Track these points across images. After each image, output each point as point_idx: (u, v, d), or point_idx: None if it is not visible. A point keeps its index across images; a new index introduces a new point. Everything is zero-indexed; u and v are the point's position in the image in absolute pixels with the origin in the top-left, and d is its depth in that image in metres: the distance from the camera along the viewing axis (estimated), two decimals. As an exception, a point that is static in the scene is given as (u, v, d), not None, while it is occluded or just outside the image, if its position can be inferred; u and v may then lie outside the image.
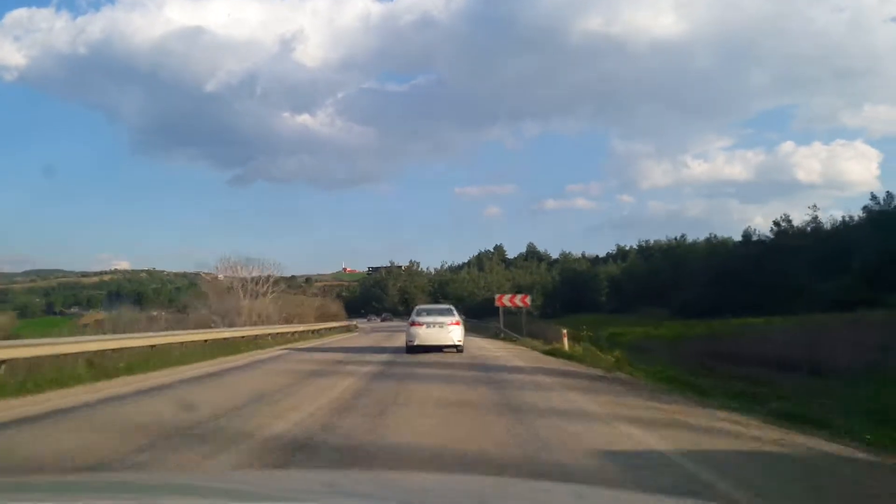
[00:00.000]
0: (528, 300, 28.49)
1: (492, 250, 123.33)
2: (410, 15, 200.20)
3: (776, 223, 41.76)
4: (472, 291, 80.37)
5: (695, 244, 59.41)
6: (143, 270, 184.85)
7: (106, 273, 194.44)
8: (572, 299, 58.04)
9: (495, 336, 29.38)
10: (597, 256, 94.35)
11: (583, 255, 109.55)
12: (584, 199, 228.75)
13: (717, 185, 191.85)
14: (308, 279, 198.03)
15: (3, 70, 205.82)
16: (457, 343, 17.90)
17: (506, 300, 29.57)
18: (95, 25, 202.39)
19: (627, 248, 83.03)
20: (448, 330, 17.88)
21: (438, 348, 17.84)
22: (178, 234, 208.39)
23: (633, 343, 19.34)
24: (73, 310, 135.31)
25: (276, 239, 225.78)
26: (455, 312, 19.24)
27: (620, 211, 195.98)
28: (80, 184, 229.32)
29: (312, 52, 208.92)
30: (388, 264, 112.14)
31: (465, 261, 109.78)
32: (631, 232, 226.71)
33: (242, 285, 36.08)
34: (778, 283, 33.09)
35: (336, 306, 57.92)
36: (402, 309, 61.13)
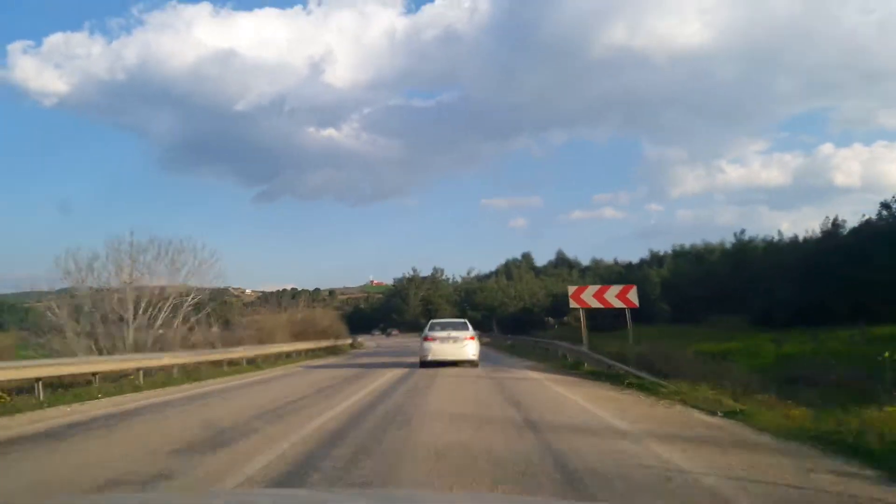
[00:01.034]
0: (633, 296, 16.98)
1: (519, 258, 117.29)
2: (434, 29, 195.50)
3: (885, 205, 34.38)
4: (502, 301, 73.95)
5: (751, 243, 52.14)
6: (165, 286, 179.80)
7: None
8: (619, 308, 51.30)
9: (574, 367, 17.20)
10: (630, 263, 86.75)
11: (615, 262, 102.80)
12: (611, 208, 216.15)
13: (749, 192, 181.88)
14: (331, 292, 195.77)
15: (41, 96, 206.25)
16: (471, 358, 17.75)
17: (588, 297, 17.26)
18: (130, 50, 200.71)
19: (662, 253, 75.15)
20: (463, 344, 17.86)
21: (453, 363, 17.51)
22: (209, 249, 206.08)
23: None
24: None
25: (303, 254, 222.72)
26: (469, 327, 19.06)
27: (648, 220, 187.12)
28: (110, 202, 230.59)
29: (341, 73, 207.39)
30: (411, 272, 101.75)
31: (493, 270, 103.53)
32: (657, 241, 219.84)
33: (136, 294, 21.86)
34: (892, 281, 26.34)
35: (329, 318, 42.77)
36: (425, 321, 55.44)
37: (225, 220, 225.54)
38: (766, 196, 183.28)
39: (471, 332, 18.50)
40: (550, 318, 68.55)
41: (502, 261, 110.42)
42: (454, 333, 18.13)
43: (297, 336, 32.13)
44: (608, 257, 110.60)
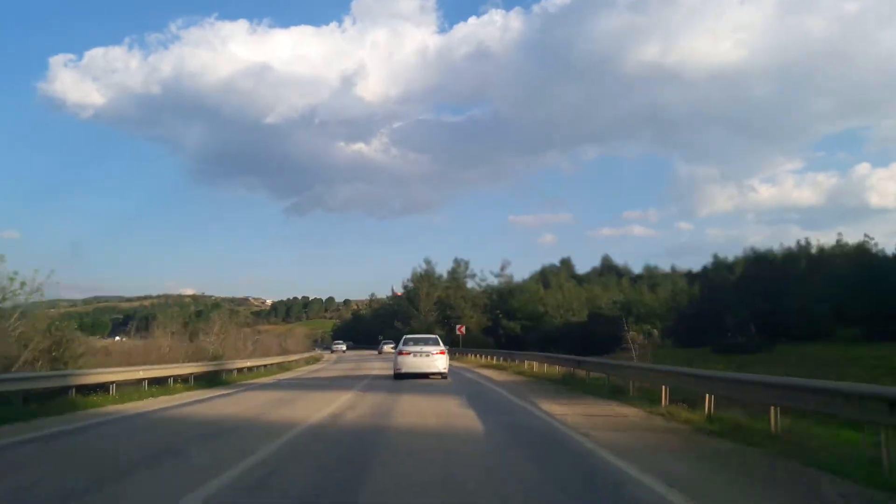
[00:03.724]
0: None
1: (558, 265, 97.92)
2: (466, 47, 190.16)
3: None
4: (546, 312, 54.77)
5: None
6: (188, 295, 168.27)
7: (149, 297, 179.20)
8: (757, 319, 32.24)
9: None
10: (690, 271, 67.64)
11: (673, 270, 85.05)
12: (640, 226, 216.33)
13: (781, 211, 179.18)
14: (346, 301, 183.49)
15: (78, 108, 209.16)
16: (441, 371, 19.99)
17: None
18: (166, 63, 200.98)
19: (731, 259, 54.55)
20: (434, 359, 20.02)
21: (424, 375, 19.69)
22: (239, 261, 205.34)
23: None
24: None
25: (330, 266, 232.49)
26: (440, 343, 21.36)
27: (677, 238, 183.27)
28: (143, 214, 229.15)
29: (372, 87, 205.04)
30: (423, 266, 71.34)
31: (526, 278, 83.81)
32: (687, 260, 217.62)
33: None
34: None
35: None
36: (441, 332, 36.01)
37: (256, 231, 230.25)
38: (798, 216, 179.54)
39: (441, 347, 20.84)
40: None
41: (532, 273, 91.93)
42: (426, 349, 20.36)
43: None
44: (637, 269, 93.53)
